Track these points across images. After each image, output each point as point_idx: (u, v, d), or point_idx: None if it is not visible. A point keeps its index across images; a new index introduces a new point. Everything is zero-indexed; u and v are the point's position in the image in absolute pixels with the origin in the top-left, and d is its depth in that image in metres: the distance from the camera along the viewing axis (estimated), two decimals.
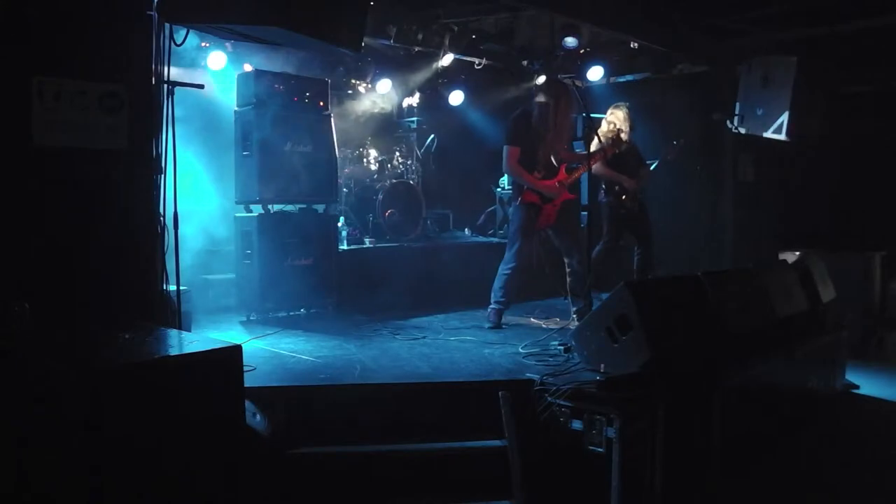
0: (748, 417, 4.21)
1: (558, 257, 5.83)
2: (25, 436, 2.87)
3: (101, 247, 3.74)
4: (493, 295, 5.61)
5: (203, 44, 6.26)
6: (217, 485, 2.90)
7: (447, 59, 7.60)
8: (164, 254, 4.00)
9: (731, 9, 6.82)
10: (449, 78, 8.31)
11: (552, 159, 5.49)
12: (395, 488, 3.61)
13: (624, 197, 6.37)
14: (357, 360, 4.49)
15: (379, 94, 8.10)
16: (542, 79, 7.63)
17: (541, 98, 5.45)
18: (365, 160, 7.78)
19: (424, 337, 5.24)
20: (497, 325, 5.53)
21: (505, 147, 5.44)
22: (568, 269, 5.61)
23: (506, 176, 8.51)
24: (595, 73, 7.98)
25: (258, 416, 3.43)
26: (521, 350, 4.69)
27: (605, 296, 4.46)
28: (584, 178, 5.98)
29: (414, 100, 8.57)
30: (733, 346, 4.27)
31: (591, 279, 5.32)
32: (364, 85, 8.00)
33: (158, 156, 3.95)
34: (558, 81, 5.69)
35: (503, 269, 5.59)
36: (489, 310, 5.61)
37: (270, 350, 4.74)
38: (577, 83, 5.49)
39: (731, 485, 3.84)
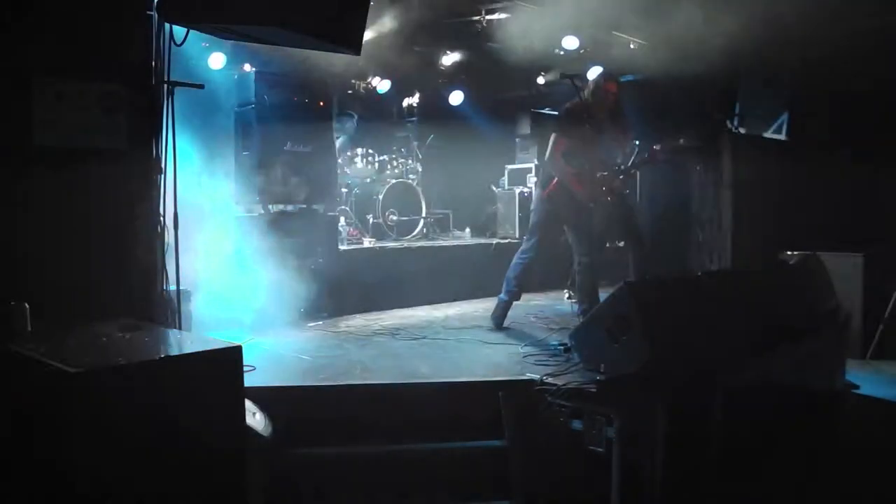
0: (748, 418, 4.21)
1: (566, 253, 5.73)
2: (25, 436, 2.86)
3: (101, 247, 3.74)
4: (505, 284, 5.50)
5: (203, 44, 6.26)
6: (217, 485, 2.90)
7: (448, 59, 7.61)
8: (164, 254, 4.00)
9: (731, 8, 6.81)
10: (449, 78, 8.32)
11: (588, 159, 5.36)
12: (395, 488, 3.61)
13: (610, 198, 6.24)
14: (357, 360, 4.50)
15: (379, 94, 8.10)
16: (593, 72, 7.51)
17: (583, 95, 5.33)
18: (365, 160, 7.78)
19: (424, 337, 5.24)
20: (500, 325, 5.45)
21: (553, 135, 5.34)
22: (578, 267, 5.51)
23: (506, 175, 8.53)
24: (595, 73, 7.96)
25: (258, 416, 3.43)
26: (521, 350, 4.69)
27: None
28: None
29: (414, 100, 8.58)
30: (733, 346, 4.27)
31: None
32: (364, 85, 8.01)
33: (158, 156, 3.95)
34: (607, 79, 5.48)
35: (520, 257, 5.48)
36: (497, 301, 5.52)
37: (270, 350, 4.74)
38: (577, 82, 5.42)
39: (730, 485, 3.84)
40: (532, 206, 5.65)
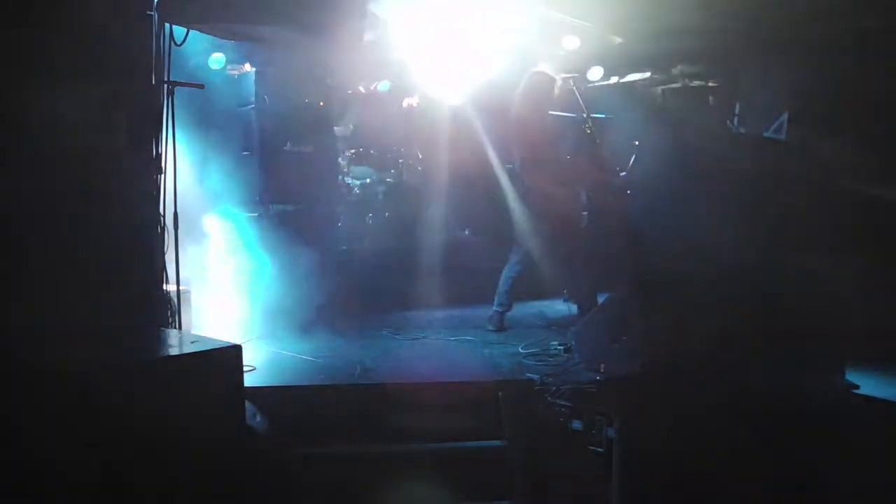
0: (748, 417, 4.20)
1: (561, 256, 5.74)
2: (26, 436, 2.86)
3: (101, 247, 3.74)
4: (497, 298, 5.50)
5: (203, 44, 6.25)
6: (217, 485, 2.90)
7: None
8: (164, 254, 4.00)
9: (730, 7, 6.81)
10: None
11: (555, 157, 5.38)
12: (396, 488, 3.61)
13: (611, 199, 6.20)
14: (357, 360, 4.49)
15: (379, 94, 8.09)
16: (594, 72, 7.42)
17: (519, 93, 5.34)
18: (365, 160, 7.77)
19: (425, 337, 5.23)
20: (500, 329, 5.42)
21: (518, 144, 5.34)
22: (572, 271, 5.54)
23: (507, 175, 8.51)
24: (595, 73, 7.96)
25: (258, 417, 3.44)
26: (521, 350, 4.69)
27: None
28: None
29: (414, 100, 8.57)
30: (733, 345, 4.27)
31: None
32: (364, 85, 7.99)
33: (158, 156, 3.95)
34: (537, 74, 5.44)
35: (509, 272, 5.47)
36: (492, 312, 5.51)
37: (270, 350, 4.74)
38: (577, 82, 5.41)
39: (730, 484, 3.83)
40: (513, 218, 5.58)
